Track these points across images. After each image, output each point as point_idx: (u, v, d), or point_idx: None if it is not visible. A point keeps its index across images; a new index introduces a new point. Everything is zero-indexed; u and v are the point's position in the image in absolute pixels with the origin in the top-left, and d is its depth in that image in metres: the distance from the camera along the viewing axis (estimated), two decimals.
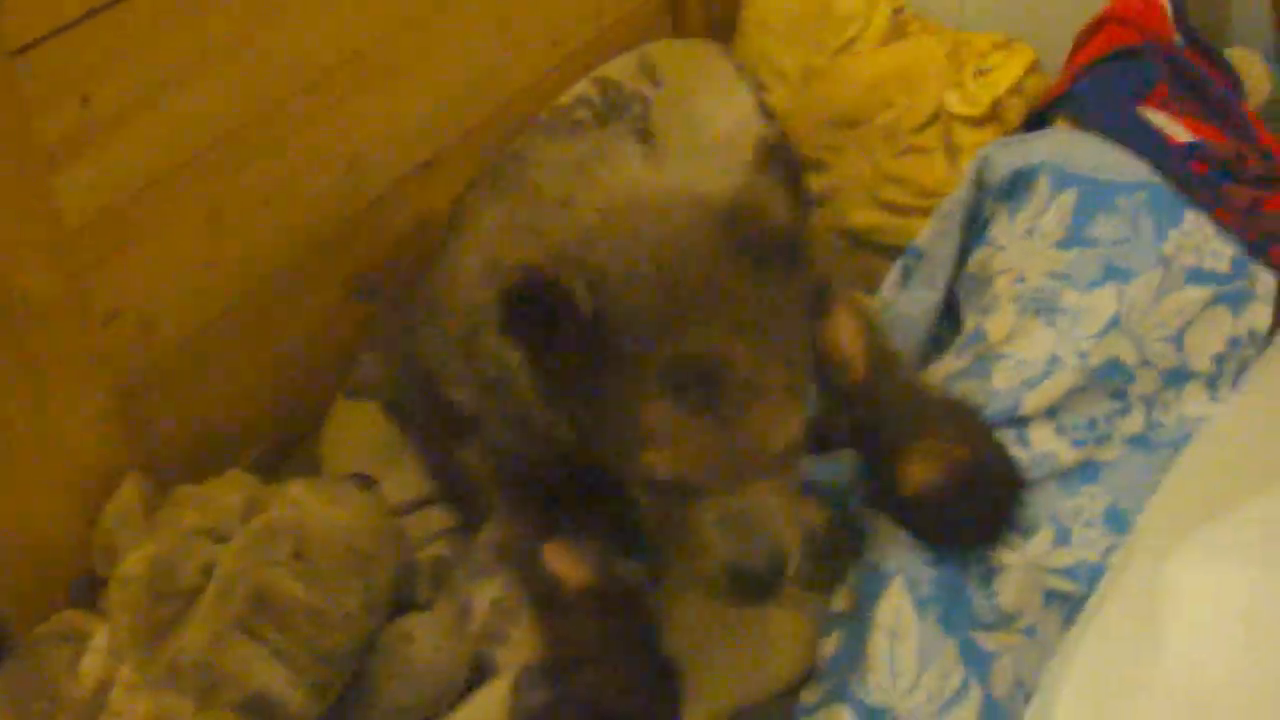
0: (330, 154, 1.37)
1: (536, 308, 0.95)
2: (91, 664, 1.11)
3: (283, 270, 1.35)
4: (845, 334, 1.18)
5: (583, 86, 1.58)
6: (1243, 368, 1.25)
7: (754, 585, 0.97)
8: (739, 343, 0.95)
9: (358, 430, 1.38)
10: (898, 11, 1.73)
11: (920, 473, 1.15)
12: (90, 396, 1.16)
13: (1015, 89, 1.57)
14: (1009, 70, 1.59)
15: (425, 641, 1.16)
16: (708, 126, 1.62)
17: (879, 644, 1.11)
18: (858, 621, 1.14)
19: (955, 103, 1.58)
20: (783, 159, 1.01)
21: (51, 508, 1.16)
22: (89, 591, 1.18)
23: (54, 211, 1.09)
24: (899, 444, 1.16)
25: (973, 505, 1.15)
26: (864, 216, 1.60)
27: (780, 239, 0.98)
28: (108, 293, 1.17)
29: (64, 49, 1.07)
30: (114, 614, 1.12)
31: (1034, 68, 1.60)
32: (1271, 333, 1.27)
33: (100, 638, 1.12)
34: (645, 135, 1.59)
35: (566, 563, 1.14)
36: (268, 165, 1.29)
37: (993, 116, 1.57)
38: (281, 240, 1.34)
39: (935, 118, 1.59)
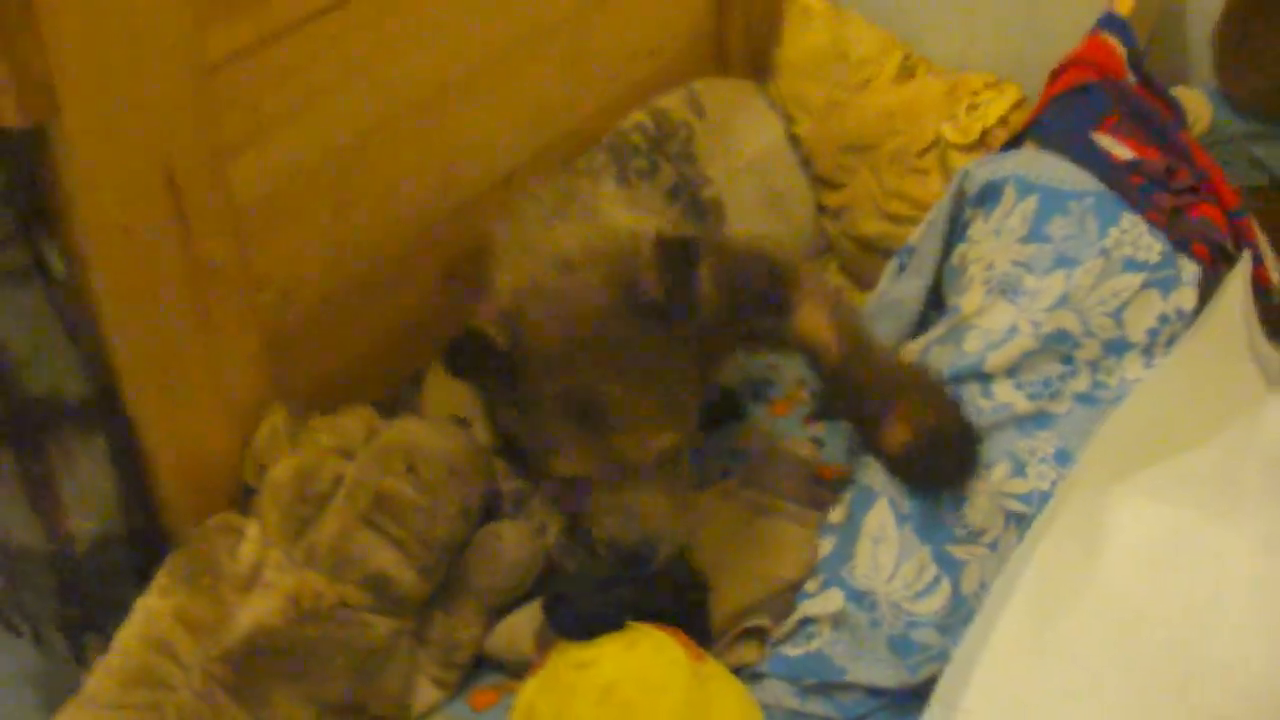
0: (429, 164, 1.57)
1: (470, 355, 1.21)
2: (247, 550, 1.31)
3: (392, 256, 1.55)
4: (815, 324, 1.39)
5: (640, 114, 1.80)
6: (1172, 340, 1.39)
7: (628, 560, 1.22)
8: (619, 382, 1.18)
9: (451, 390, 1.59)
10: (907, 57, 1.93)
11: (896, 435, 1.37)
12: (246, 346, 1.37)
13: (1002, 121, 1.76)
14: (997, 105, 1.78)
15: (510, 540, 1.39)
16: (742, 151, 1.86)
17: (865, 546, 1.34)
18: (849, 530, 1.37)
19: (950, 132, 1.77)
20: (675, 250, 1.17)
21: (214, 431, 1.36)
22: (241, 499, 1.40)
23: (230, 194, 1.31)
24: (877, 414, 1.38)
25: (939, 459, 1.36)
26: (872, 226, 1.79)
27: (660, 308, 1.18)
28: (262, 263, 1.37)
29: (242, 67, 1.29)
30: (265, 511, 1.34)
31: (1020, 103, 1.79)
32: (1196, 311, 1.41)
33: (253, 530, 1.33)
34: (688, 157, 1.82)
35: None
36: (382, 169, 1.51)
37: (981, 144, 1.75)
38: (391, 231, 1.54)
39: (934, 144, 1.78)
